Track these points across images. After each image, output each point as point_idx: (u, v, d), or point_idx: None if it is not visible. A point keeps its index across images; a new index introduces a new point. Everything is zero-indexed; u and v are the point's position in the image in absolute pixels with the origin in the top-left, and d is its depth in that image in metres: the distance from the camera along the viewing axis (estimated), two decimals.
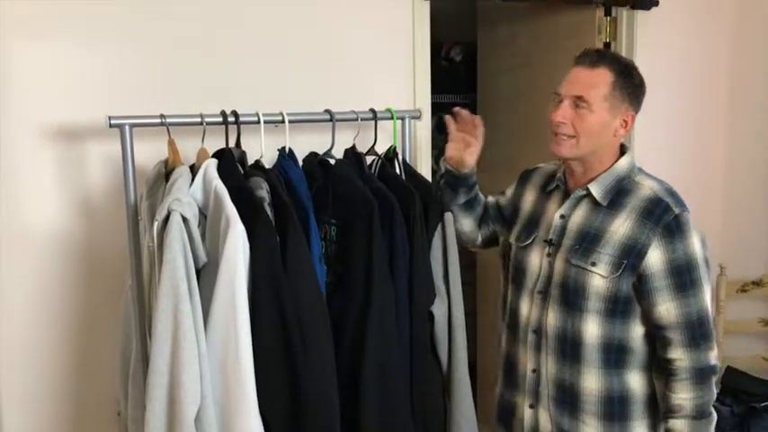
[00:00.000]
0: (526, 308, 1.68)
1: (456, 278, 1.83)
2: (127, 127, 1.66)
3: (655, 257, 1.53)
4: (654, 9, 2.54)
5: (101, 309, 2.03)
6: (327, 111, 1.86)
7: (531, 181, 1.81)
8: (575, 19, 2.69)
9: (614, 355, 1.58)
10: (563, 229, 1.63)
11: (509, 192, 1.87)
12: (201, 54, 2.02)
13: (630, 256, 1.53)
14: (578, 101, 1.54)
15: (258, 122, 1.75)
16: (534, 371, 1.66)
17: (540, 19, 2.82)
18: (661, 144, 2.63)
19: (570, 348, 1.60)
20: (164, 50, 1.99)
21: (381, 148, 1.93)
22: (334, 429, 1.61)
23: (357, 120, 1.87)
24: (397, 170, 1.92)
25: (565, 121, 1.55)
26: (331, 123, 1.85)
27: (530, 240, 1.70)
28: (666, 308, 1.53)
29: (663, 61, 2.59)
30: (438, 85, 3.64)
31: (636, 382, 1.60)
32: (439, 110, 3.96)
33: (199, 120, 1.71)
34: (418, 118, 2.01)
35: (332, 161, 1.85)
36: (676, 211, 1.54)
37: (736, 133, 2.79)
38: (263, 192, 1.63)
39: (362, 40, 2.16)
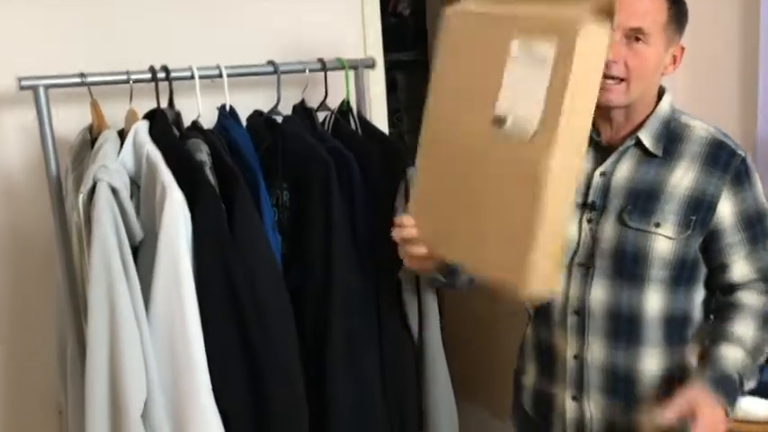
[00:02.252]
0: (561, 285, 1.40)
1: None
2: (41, 88, 1.45)
3: (726, 210, 1.33)
4: None
5: (31, 296, 1.82)
6: (271, 62, 1.67)
7: None
8: None
9: (677, 329, 1.39)
10: (606, 189, 1.37)
11: None
12: (125, 3, 1.79)
13: (699, 211, 1.33)
14: (635, 33, 1.28)
15: (192, 78, 1.56)
16: (576, 357, 1.42)
17: None
18: None
19: (627, 327, 1.37)
20: (78, 3, 1.76)
21: (334, 104, 1.76)
22: (300, 416, 1.46)
23: (305, 72, 1.69)
24: (353, 126, 1.76)
25: (618, 60, 1.28)
26: (276, 77, 1.66)
27: None
28: (739, 266, 1.36)
29: None
30: (387, 44, 3.50)
31: (693, 359, 1.43)
32: (391, 69, 3.88)
33: (125, 77, 1.51)
34: (372, 67, 1.84)
35: (279, 119, 1.67)
36: (742, 153, 1.35)
37: (698, 85, 2.70)
38: (203, 155, 1.45)
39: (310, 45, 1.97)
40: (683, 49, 1.37)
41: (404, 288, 1.66)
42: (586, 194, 1.39)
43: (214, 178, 1.44)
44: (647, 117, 1.37)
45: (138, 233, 1.39)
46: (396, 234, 1.36)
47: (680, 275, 1.36)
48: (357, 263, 1.58)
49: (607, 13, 1.07)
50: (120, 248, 1.31)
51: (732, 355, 1.33)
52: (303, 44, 1.87)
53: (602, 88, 1.30)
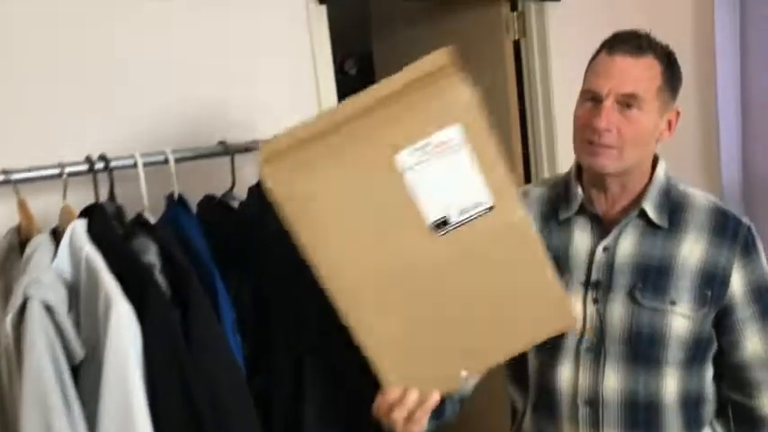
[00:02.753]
0: (569, 374, 1.30)
1: None
2: None
3: (736, 282, 1.26)
4: (563, 2, 2.35)
5: None
6: (222, 143, 1.52)
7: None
8: (479, 18, 2.48)
9: (693, 411, 1.30)
10: (610, 265, 1.28)
11: None
12: (56, 86, 1.60)
13: (713, 285, 1.25)
14: (628, 99, 1.21)
15: (135, 166, 1.39)
16: None
17: (442, 21, 2.59)
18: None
19: (644, 415, 1.27)
20: (4, 85, 1.57)
21: None
22: None
23: (258, 149, 1.54)
24: None
25: (611, 129, 1.21)
26: (229, 158, 1.51)
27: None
28: (752, 342, 1.28)
29: (575, 58, 2.40)
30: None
31: None
32: None
33: (57, 171, 1.33)
34: None
35: (235, 204, 1.52)
36: (747, 222, 1.29)
37: None
38: (152, 256, 1.29)
39: (257, 64, 1.81)
40: (678, 113, 1.30)
41: None
42: (589, 272, 1.29)
43: (165, 282, 1.27)
44: (646, 187, 1.29)
45: (79, 353, 1.20)
46: (385, 413, 1.16)
47: (695, 355, 1.27)
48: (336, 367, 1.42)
49: (455, 64, 1.08)
50: (58, 377, 1.12)
51: None
52: (256, 121, 1.73)
53: (595, 153, 1.23)
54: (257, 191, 1.54)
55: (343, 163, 1.06)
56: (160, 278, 1.27)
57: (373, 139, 1.05)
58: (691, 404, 1.30)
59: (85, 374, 1.22)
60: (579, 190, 1.32)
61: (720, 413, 1.36)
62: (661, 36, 1.29)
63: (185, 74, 1.69)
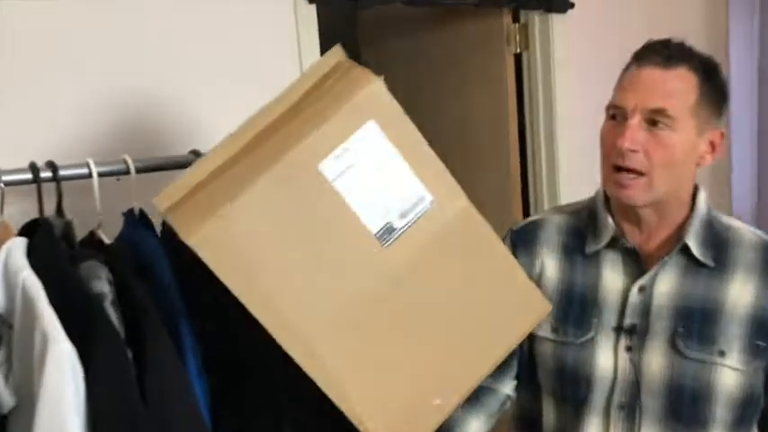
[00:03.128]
0: None
1: None
2: None
3: None
4: (569, 13, 2.20)
5: None
6: (193, 151, 1.32)
7: (541, 241, 1.22)
8: (478, 29, 2.32)
9: None
10: (647, 308, 1.12)
11: None
12: None
13: (763, 331, 1.09)
14: (656, 116, 1.05)
15: (89, 176, 1.19)
16: None
17: (437, 30, 2.43)
18: (586, 161, 2.28)
19: None
20: None
21: None
22: None
23: None
24: None
25: (636, 149, 1.05)
26: None
27: (589, 332, 1.14)
28: None
29: (580, 73, 2.25)
30: None
31: None
32: None
33: None
34: None
35: None
36: None
37: None
38: (103, 283, 1.08)
39: (238, 59, 1.62)
40: (722, 134, 1.13)
41: None
42: (622, 315, 1.12)
43: (117, 316, 1.07)
44: (687, 218, 1.12)
45: (7, 401, 0.99)
46: None
47: (744, 415, 1.11)
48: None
49: (348, 60, 1.02)
50: None
51: None
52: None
53: (621, 185, 1.06)
54: None
55: (259, 192, 0.93)
56: (111, 311, 1.06)
57: (287, 157, 0.94)
58: None
59: (15, 425, 1.01)
60: (610, 220, 1.15)
61: None
62: None
63: (157, 73, 1.49)
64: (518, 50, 2.28)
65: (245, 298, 0.95)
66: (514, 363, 1.23)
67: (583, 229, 1.19)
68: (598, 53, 2.19)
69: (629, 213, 1.13)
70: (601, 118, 1.13)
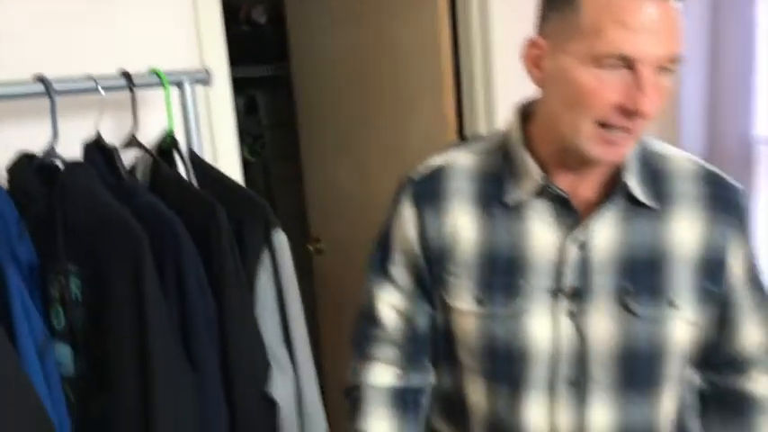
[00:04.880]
0: (541, 415, 0.94)
1: (301, 332, 1.16)
2: None
3: (737, 263, 0.97)
4: None
5: None
6: (40, 78, 1.06)
7: (451, 195, 0.98)
8: None
9: (682, 424, 1.01)
10: (587, 265, 0.93)
11: (404, 229, 0.99)
12: None
13: (715, 275, 0.94)
14: (671, 64, 0.84)
15: None
16: None
17: None
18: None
19: None
20: None
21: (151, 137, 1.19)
22: None
23: (97, 90, 1.09)
24: (181, 170, 1.18)
25: (653, 113, 0.83)
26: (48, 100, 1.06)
27: (520, 299, 0.94)
28: (751, 330, 0.99)
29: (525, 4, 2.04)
30: (243, 57, 2.94)
31: None
32: (247, 86, 3.34)
33: None
34: (205, 82, 1.26)
35: (61, 165, 1.07)
36: (739, 186, 0.98)
37: None
38: None
39: None
40: None
41: (280, 408, 1.12)
42: (559, 276, 0.92)
43: None
44: None
45: None
46: None
47: (690, 360, 0.99)
48: (193, 384, 1.03)
49: None
50: None
51: None
52: (113, 56, 1.27)
53: (610, 142, 0.85)
54: (93, 147, 1.11)
55: None
56: None
57: None
58: (680, 417, 1.02)
59: None
60: (533, 162, 0.93)
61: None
62: None
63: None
64: None
65: None
66: (423, 348, 1.02)
67: (498, 173, 0.96)
68: None
69: (569, 157, 0.91)
70: None
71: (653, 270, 0.93)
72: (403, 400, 1.01)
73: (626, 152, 0.88)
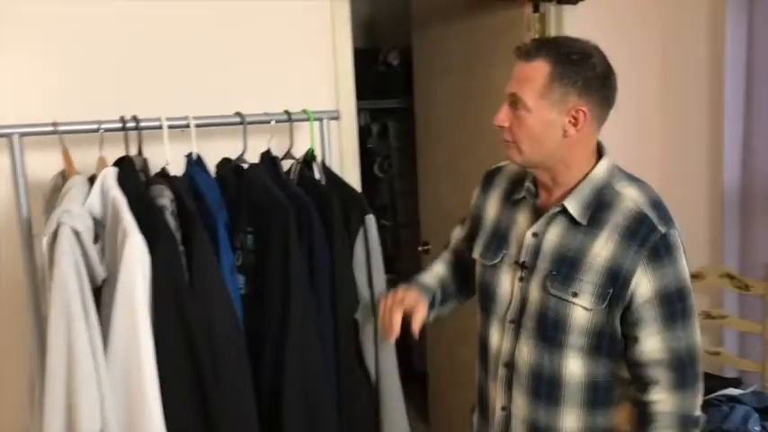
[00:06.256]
0: (497, 338, 1.44)
1: (381, 284, 1.76)
2: (15, 136, 1.54)
3: (642, 285, 1.29)
4: (581, 3, 2.50)
5: (3, 331, 1.89)
6: (238, 113, 1.76)
7: (495, 185, 1.53)
8: (506, 17, 2.64)
9: (601, 393, 1.37)
10: (537, 250, 1.38)
11: (473, 200, 1.59)
12: (99, 54, 1.89)
13: (616, 283, 1.30)
14: (514, 99, 1.32)
15: (161, 128, 1.65)
16: (504, 409, 1.44)
17: (472, 18, 2.76)
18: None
19: (547, 387, 1.37)
20: (55, 53, 1.86)
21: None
22: None
23: (270, 122, 1.78)
24: (316, 174, 1.84)
25: (503, 125, 1.34)
26: (242, 127, 1.76)
27: (497, 259, 1.45)
28: (652, 342, 1.31)
29: None
30: (378, 91, 3.58)
31: (618, 417, 1.41)
32: (381, 114, 3.96)
33: (95, 126, 1.60)
34: (336, 118, 1.93)
35: (246, 166, 1.76)
36: (662, 229, 1.30)
37: (670, 130, 2.77)
38: (165, 200, 1.53)
39: (277, 40, 2.07)
40: (584, 111, 1.30)
41: (360, 330, 1.72)
42: (519, 253, 1.41)
43: (176, 223, 1.52)
44: (581, 181, 1.35)
45: (101, 273, 1.46)
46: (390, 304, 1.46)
47: (599, 344, 1.34)
48: (314, 305, 1.64)
49: None
50: (80, 289, 1.37)
51: None
52: (273, 96, 1.97)
53: (506, 147, 1.38)
54: (266, 156, 1.79)
55: None
56: (171, 219, 1.51)
57: None
58: (598, 387, 1.36)
59: (106, 292, 1.48)
60: (530, 179, 1.43)
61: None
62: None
63: (211, 56, 1.96)
64: (536, 36, 2.59)
65: None
66: (467, 266, 1.58)
67: (518, 181, 1.47)
68: (603, 40, 2.48)
69: (536, 175, 1.39)
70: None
71: (572, 266, 1.33)
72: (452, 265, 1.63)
73: (512, 154, 1.36)
